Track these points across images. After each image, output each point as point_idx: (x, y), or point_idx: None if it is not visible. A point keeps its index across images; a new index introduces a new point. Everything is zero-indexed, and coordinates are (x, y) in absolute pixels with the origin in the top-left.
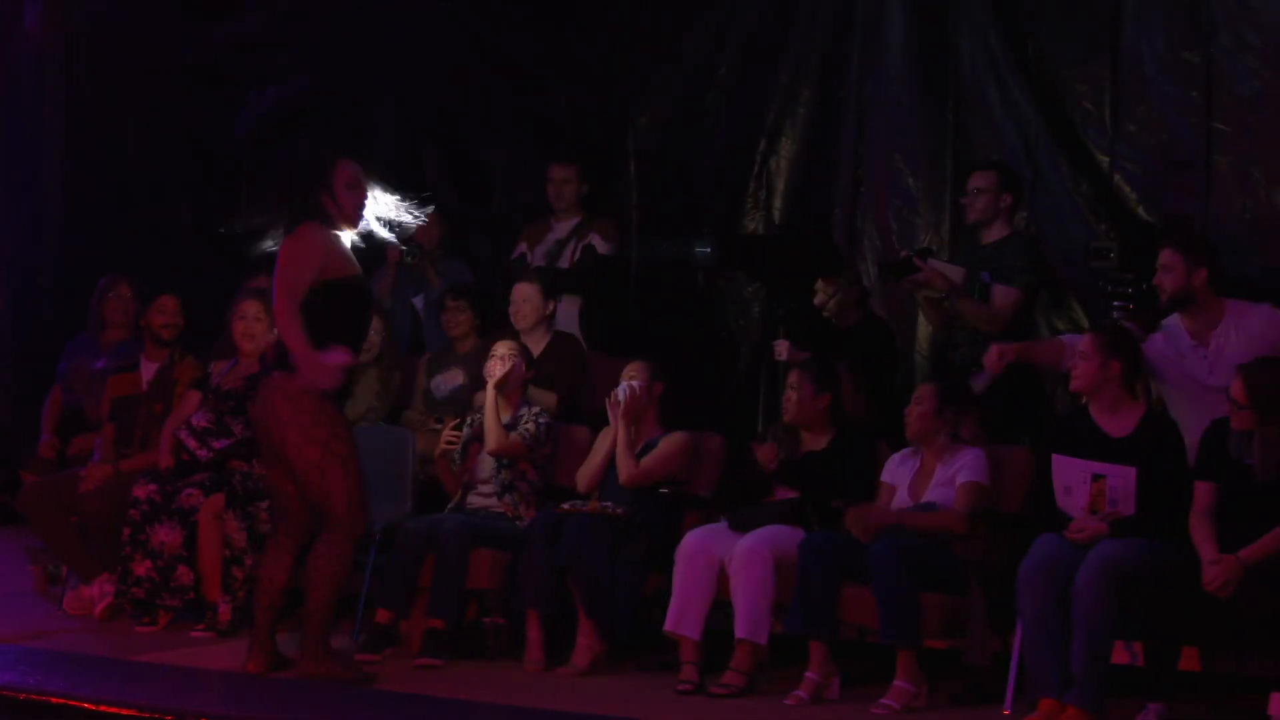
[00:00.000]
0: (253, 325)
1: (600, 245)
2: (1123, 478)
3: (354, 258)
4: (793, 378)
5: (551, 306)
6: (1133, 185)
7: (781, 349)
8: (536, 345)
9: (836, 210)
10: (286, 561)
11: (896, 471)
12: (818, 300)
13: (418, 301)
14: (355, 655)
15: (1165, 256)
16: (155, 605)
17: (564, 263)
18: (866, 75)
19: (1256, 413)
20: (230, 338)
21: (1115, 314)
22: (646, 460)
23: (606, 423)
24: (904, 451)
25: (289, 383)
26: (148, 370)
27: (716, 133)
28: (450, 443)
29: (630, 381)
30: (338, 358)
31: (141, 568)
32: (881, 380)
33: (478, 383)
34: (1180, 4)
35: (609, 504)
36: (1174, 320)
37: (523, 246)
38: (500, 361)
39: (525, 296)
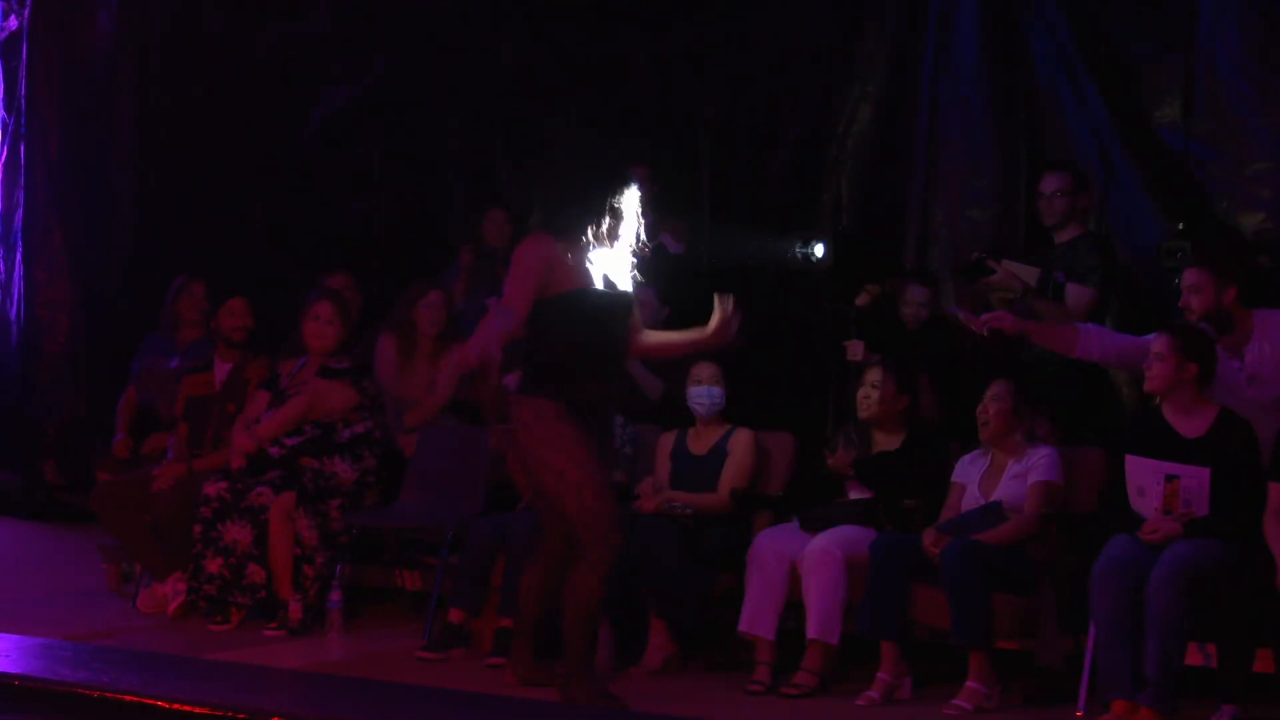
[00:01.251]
0: (324, 327)
1: (671, 245)
2: (1197, 478)
3: (589, 272)
4: (874, 376)
5: (666, 311)
6: (1207, 185)
7: (856, 349)
8: None
9: (908, 211)
10: (539, 577)
11: (968, 470)
12: (860, 301)
13: (492, 302)
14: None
15: (1193, 276)
16: (227, 603)
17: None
18: (939, 74)
19: None
20: (300, 337)
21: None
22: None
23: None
24: (975, 451)
25: (522, 407)
26: (220, 371)
27: (788, 131)
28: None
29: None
30: (466, 354)
31: (213, 565)
32: (950, 381)
33: None
34: (1256, 3)
35: (677, 504)
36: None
37: None
38: None
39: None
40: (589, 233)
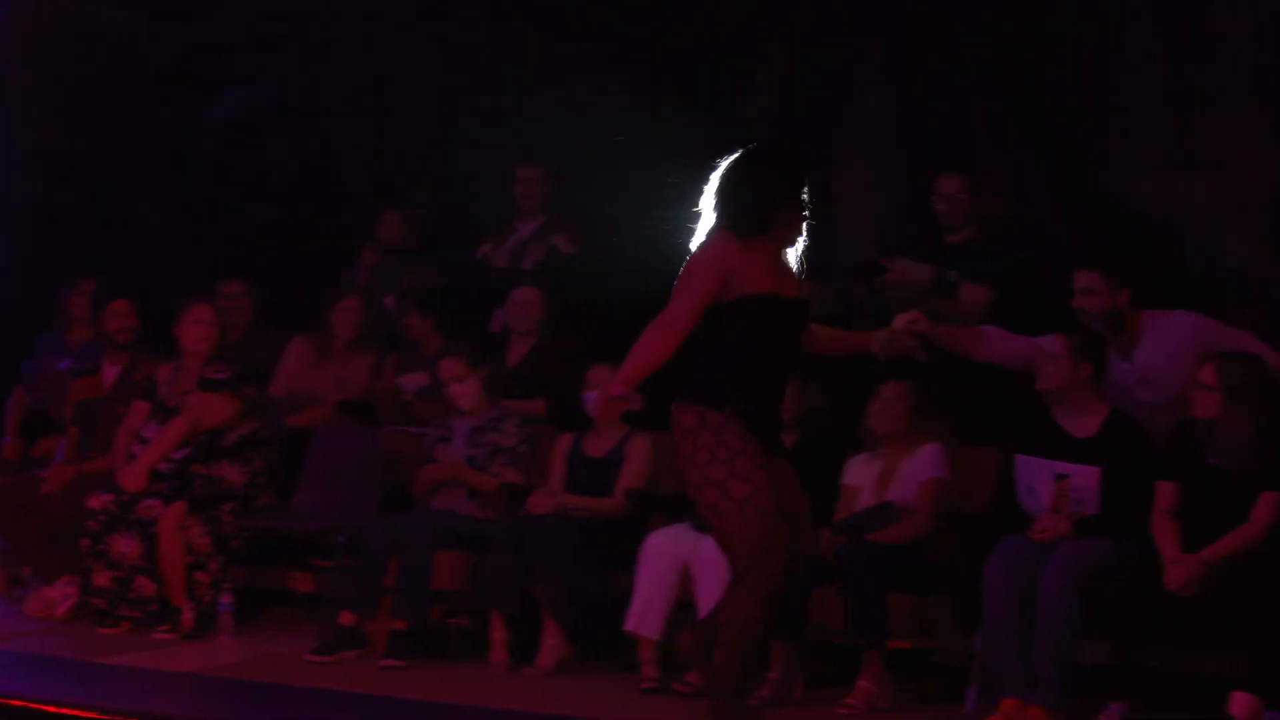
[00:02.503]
0: (207, 330)
1: (564, 246)
2: (1086, 478)
3: (777, 274)
4: None
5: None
6: (1114, 186)
7: None
8: (523, 349)
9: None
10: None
11: (860, 471)
12: None
13: (390, 302)
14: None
15: (1087, 280)
16: (117, 616)
17: (527, 263)
18: (843, 74)
19: (1224, 398)
20: (177, 340)
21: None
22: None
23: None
24: (867, 453)
25: (685, 415)
26: (109, 373)
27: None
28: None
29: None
30: (615, 387)
31: (102, 579)
32: (838, 381)
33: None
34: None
35: (572, 505)
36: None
37: (487, 247)
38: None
39: (524, 299)
40: (779, 228)
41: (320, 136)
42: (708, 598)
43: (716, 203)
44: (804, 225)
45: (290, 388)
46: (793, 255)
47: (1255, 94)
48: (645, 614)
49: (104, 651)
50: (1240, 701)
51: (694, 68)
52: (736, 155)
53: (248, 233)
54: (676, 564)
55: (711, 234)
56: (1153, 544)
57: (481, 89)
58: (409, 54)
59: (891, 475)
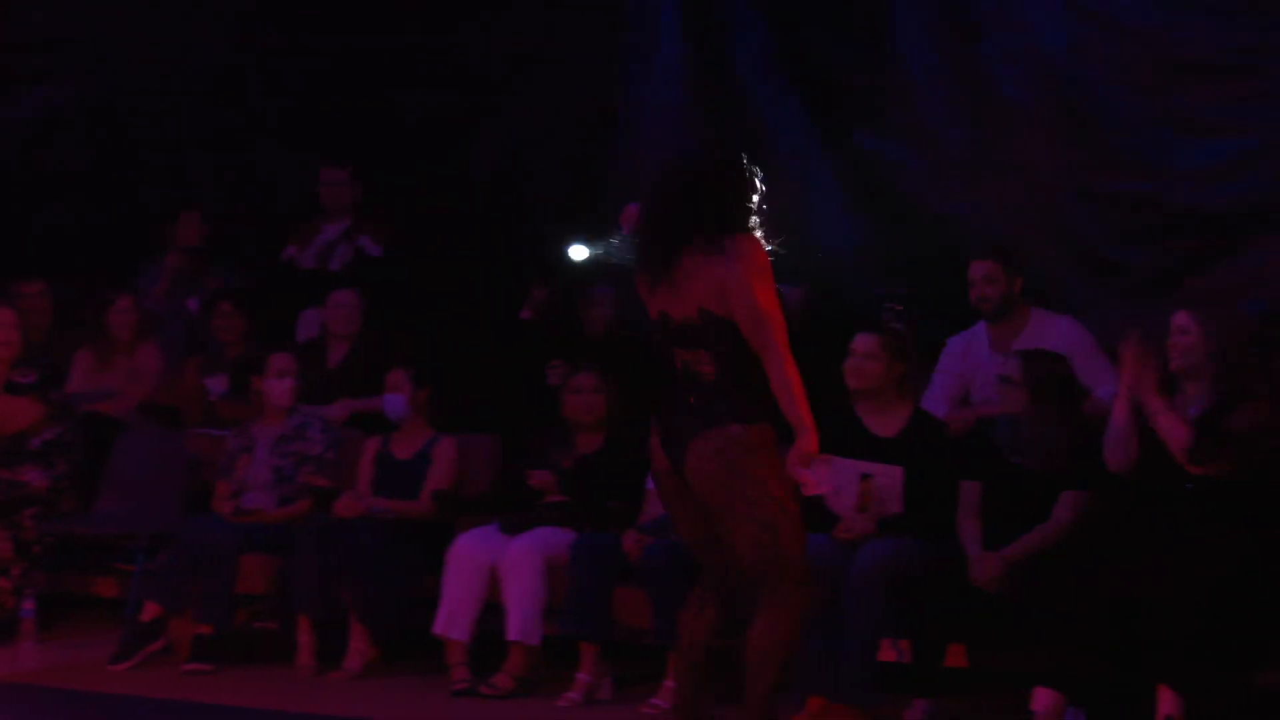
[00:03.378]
0: (11, 333)
1: (370, 247)
2: (890, 477)
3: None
4: (584, 381)
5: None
6: (904, 186)
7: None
8: (341, 352)
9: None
10: (710, 617)
11: None
12: (527, 308)
13: (193, 304)
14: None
15: (986, 269)
16: None
17: (334, 265)
18: (639, 77)
19: (1029, 396)
20: None
21: (885, 316)
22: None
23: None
24: None
25: (748, 432)
26: None
27: (493, 133)
28: None
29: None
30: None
31: None
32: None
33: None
34: (945, 11)
35: (379, 509)
36: (980, 328)
37: (292, 249)
38: None
39: (343, 302)
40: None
41: (118, 135)
42: (515, 600)
43: (708, 205)
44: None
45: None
46: None
47: (1049, 96)
48: (453, 617)
49: None
50: (1042, 697)
51: (499, 61)
52: (718, 155)
53: (44, 233)
54: (484, 566)
55: (734, 239)
56: (956, 542)
57: (282, 88)
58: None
59: None
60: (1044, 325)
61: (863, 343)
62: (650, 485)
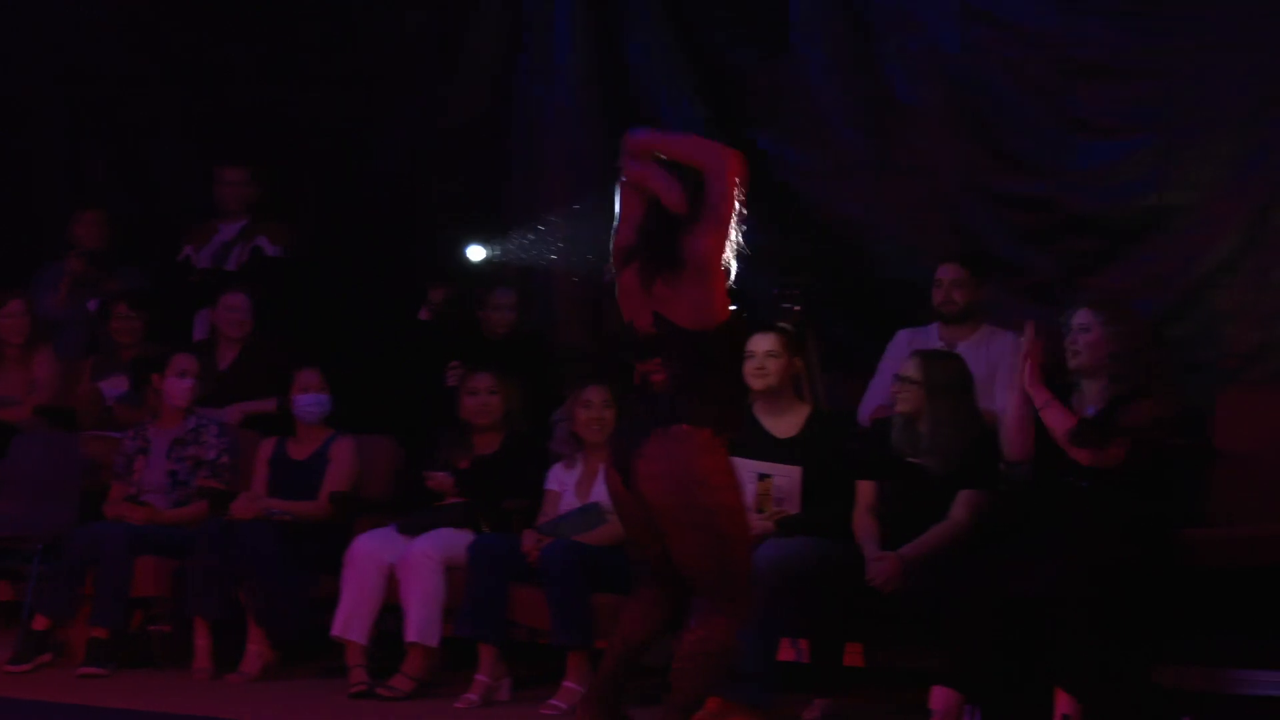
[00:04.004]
0: None
1: (268, 247)
2: (788, 477)
3: None
4: (480, 382)
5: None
6: (802, 189)
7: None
8: (232, 354)
9: (509, 215)
10: (656, 618)
11: (562, 477)
12: (425, 309)
13: (92, 305)
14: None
15: (955, 273)
16: None
17: (230, 265)
18: (537, 80)
19: (926, 395)
20: None
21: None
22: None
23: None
24: (564, 461)
25: (697, 436)
26: None
27: (393, 134)
28: None
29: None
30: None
31: None
32: (536, 387)
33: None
34: (844, 12)
35: (275, 511)
36: (932, 328)
37: (188, 249)
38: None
39: (234, 304)
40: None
41: (12, 136)
42: (414, 601)
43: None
44: None
45: None
46: None
47: (947, 97)
48: (351, 618)
49: None
50: (939, 696)
51: (396, 62)
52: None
53: None
54: (382, 568)
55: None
56: (854, 542)
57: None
58: (102, 50)
59: (593, 478)
60: (991, 336)
61: (763, 342)
62: (550, 485)
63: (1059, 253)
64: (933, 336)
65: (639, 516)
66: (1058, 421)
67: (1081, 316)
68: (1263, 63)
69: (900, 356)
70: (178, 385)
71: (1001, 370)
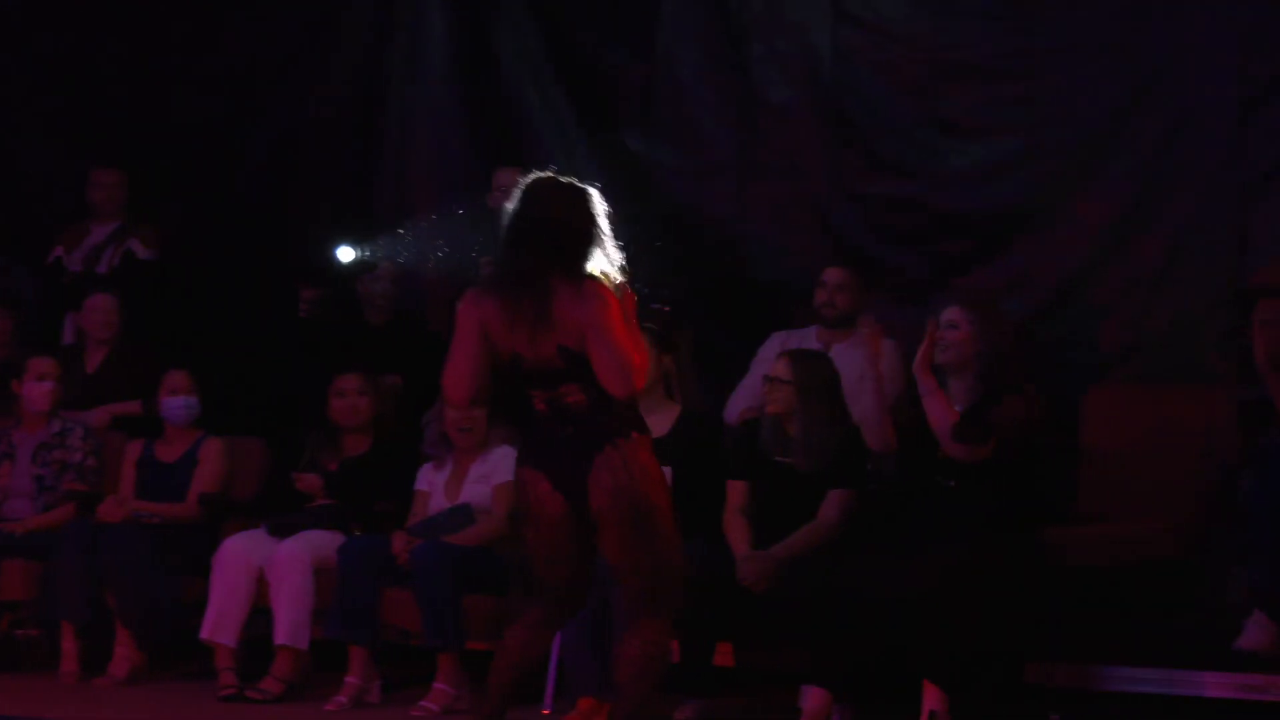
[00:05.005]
0: None
1: (140, 250)
2: None
3: None
4: (347, 383)
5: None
6: (671, 190)
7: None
8: (99, 356)
9: (379, 214)
10: (545, 637)
11: (430, 477)
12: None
13: None
14: None
15: (840, 277)
16: None
17: (102, 268)
18: (407, 79)
19: (797, 394)
20: None
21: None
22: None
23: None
24: (432, 462)
25: (638, 441)
26: None
27: (263, 133)
28: None
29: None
30: None
31: None
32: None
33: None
34: (713, 11)
35: (143, 513)
36: (809, 331)
37: (59, 250)
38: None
39: (100, 307)
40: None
41: None
42: (283, 604)
43: (570, 236)
44: None
45: None
46: None
47: (816, 98)
48: (221, 621)
49: None
50: (810, 696)
51: (267, 61)
52: (570, 185)
53: None
54: (252, 570)
55: (589, 283)
56: (724, 542)
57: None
58: None
59: (462, 479)
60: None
61: None
62: (419, 486)
63: (929, 253)
64: (810, 339)
65: (558, 539)
66: (939, 413)
67: (950, 314)
68: (1127, 64)
69: (772, 358)
70: (37, 389)
71: (887, 375)
